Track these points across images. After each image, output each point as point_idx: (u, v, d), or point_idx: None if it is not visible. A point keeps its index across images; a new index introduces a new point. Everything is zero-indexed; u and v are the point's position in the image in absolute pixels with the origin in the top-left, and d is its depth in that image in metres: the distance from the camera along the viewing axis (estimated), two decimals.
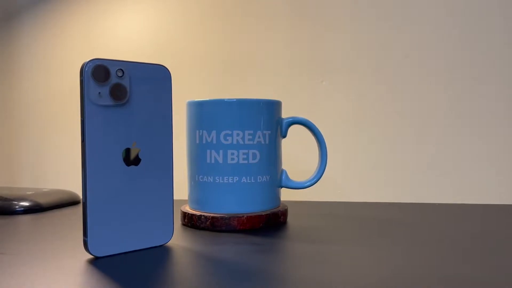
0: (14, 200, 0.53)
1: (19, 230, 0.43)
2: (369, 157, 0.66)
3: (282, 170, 0.47)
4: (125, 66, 0.34)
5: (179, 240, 0.39)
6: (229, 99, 0.43)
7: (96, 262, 0.32)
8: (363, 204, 0.57)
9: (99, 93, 0.32)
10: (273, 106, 0.45)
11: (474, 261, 0.32)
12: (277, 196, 0.46)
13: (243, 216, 0.42)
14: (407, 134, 0.64)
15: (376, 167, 0.65)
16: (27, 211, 0.52)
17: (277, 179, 0.46)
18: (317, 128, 0.47)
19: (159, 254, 0.34)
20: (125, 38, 0.71)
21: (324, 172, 0.47)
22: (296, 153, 0.65)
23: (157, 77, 0.36)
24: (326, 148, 0.47)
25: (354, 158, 0.66)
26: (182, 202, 0.50)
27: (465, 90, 0.62)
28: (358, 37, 0.65)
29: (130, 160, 0.34)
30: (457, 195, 0.63)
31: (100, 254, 0.33)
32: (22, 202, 0.53)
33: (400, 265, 0.31)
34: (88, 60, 0.32)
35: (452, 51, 0.63)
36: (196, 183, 0.45)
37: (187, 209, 0.46)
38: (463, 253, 0.34)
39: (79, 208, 0.57)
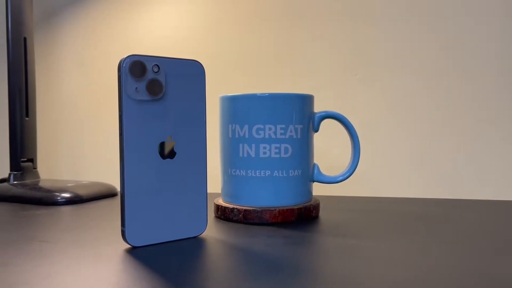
0: (56, 192, 0.56)
1: (61, 220, 0.45)
2: (404, 152, 0.64)
3: (314, 165, 0.47)
4: (160, 62, 0.34)
5: (213, 232, 0.40)
6: (261, 94, 0.44)
7: (134, 252, 0.33)
8: (397, 199, 0.57)
9: (136, 88, 0.33)
10: (305, 100, 0.45)
11: (507, 260, 0.31)
12: (309, 191, 0.47)
13: (275, 210, 0.43)
14: (443, 129, 0.63)
15: (411, 162, 0.64)
16: (68, 202, 0.55)
17: (309, 173, 0.46)
18: (350, 122, 0.46)
19: (193, 245, 0.35)
20: (160, 34, 0.72)
21: (357, 167, 0.47)
22: (328, 147, 0.65)
23: (191, 73, 0.36)
24: (359, 142, 0.47)
25: (387, 153, 0.65)
26: (215, 195, 0.51)
27: (506, 84, 0.60)
28: (392, 30, 0.64)
29: (166, 153, 0.35)
30: (495, 192, 0.61)
31: (137, 244, 0.34)
32: (64, 193, 0.55)
33: (432, 262, 0.31)
34: (125, 56, 0.33)
35: (492, 45, 0.61)
36: (228, 177, 0.45)
37: (220, 202, 0.47)
38: (496, 252, 0.33)
39: (116, 199, 0.59)
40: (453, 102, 0.62)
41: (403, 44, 0.64)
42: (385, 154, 0.65)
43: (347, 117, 0.47)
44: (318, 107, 0.48)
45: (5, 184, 0.61)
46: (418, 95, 0.64)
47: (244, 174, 0.44)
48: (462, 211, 0.49)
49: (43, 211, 0.50)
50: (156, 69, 0.34)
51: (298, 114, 0.44)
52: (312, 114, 0.46)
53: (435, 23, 0.63)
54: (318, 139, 0.49)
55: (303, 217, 0.44)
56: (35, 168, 0.66)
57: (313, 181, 0.47)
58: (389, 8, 0.64)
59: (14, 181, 0.63)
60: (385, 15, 0.64)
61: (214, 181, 0.49)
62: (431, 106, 0.63)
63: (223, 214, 0.45)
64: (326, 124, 0.48)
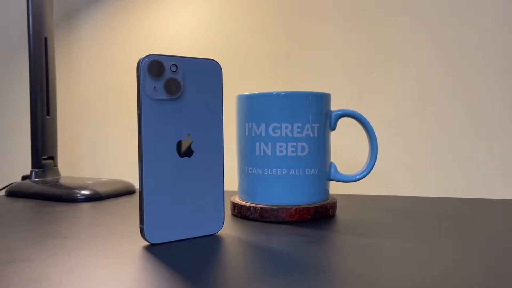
0: (76, 189, 0.57)
1: (81, 217, 0.46)
2: (422, 150, 0.64)
3: (331, 163, 0.47)
4: (178, 61, 0.35)
5: (229, 229, 0.40)
6: (278, 92, 0.44)
7: (152, 249, 0.34)
8: (415, 198, 0.56)
9: (155, 87, 0.34)
10: (322, 99, 0.45)
11: None
12: (325, 189, 0.46)
13: (291, 208, 0.43)
14: (462, 127, 0.62)
15: (429, 160, 0.64)
16: (87, 199, 0.56)
17: (325, 172, 0.46)
18: (367, 121, 0.46)
19: (210, 243, 0.35)
20: (177, 33, 0.73)
21: (374, 166, 0.46)
22: (345, 146, 0.64)
23: (208, 71, 0.37)
24: (376, 141, 0.46)
25: (405, 151, 0.64)
26: (232, 193, 0.51)
27: None
28: (409, 28, 0.63)
29: (183, 151, 0.36)
30: None
31: (155, 241, 0.35)
32: (83, 191, 0.56)
33: (451, 262, 0.30)
34: (144, 56, 0.34)
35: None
36: (245, 175, 0.46)
37: (237, 200, 0.47)
38: None
39: (134, 197, 0.59)
40: (473, 100, 0.61)
41: (420, 42, 0.63)
42: (403, 153, 0.64)
43: (363, 115, 0.46)
44: (335, 106, 0.48)
45: (27, 181, 0.63)
46: (435, 93, 0.63)
47: (260, 172, 0.44)
48: (481, 210, 0.48)
49: (63, 208, 0.51)
50: (174, 69, 0.35)
51: (315, 113, 0.44)
52: (329, 112, 0.46)
53: (454, 21, 0.62)
54: (335, 137, 0.49)
55: (319, 216, 0.44)
56: (55, 165, 0.68)
57: (330, 180, 0.47)
58: (405, 6, 0.63)
59: (35, 178, 0.64)
60: (402, 12, 0.64)
61: (231, 179, 0.49)
62: (450, 104, 0.62)
63: (239, 212, 0.45)
64: (343, 122, 0.48)
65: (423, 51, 0.63)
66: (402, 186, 0.65)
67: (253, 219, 0.44)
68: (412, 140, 0.64)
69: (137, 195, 0.61)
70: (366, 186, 0.63)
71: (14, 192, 0.61)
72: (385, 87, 0.65)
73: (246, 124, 0.45)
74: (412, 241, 0.36)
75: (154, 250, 0.33)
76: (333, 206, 0.46)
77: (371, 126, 0.46)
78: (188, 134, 0.36)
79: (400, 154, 0.65)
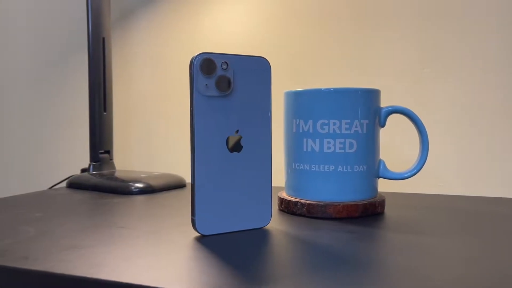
0: (130, 182, 0.60)
1: (135, 208, 0.49)
2: (475, 148, 0.61)
3: (380, 160, 0.47)
4: (229, 59, 0.36)
5: (277, 224, 0.41)
6: (326, 89, 0.44)
7: (202, 240, 0.35)
8: (466, 197, 0.54)
9: (206, 84, 0.35)
10: (371, 95, 0.45)
11: None
12: (374, 186, 0.46)
13: (339, 205, 0.43)
14: None
15: (482, 159, 0.61)
16: (141, 192, 0.58)
17: (374, 169, 0.46)
18: (417, 117, 0.45)
19: (258, 236, 0.36)
20: (228, 31, 0.74)
21: (425, 163, 0.45)
22: (395, 143, 0.63)
23: (258, 69, 0.37)
24: (427, 138, 0.45)
25: (457, 149, 0.62)
26: (279, 188, 0.52)
27: None
28: (461, 22, 0.61)
29: (233, 147, 0.37)
30: None
31: (206, 232, 0.36)
32: (137, 184, 0.59)
33: (500, 261, 0.29)
34: (196, 54, 0.35)
35: None
36: (292, 171, 0.46)
37: (284, 195, 0.47)
38: None
39: (185, 190, 0.61)
40: None
41: (473, 36, 0.61)
42: (455, 151, 0.62)
43: (414, 112, 0.45)
44: (385, 102, 0.47)
45: (86, 174, 0.66)
46: (489, 89, 0.60)
47: (308, 168, 0.45)
48: None
49: (119, 200, 0.54)
50: (225, 66, 0.36)
51: (364, 109, 0.44)
52: (379, 109, 0.46)
53: (507, 19, 0.59)
54: (384, 134, 0.48)
55: (368, 213, 0.44)
56: (111, 159, 0.71)
57: (379, 177, 0.47)
58: (456, 4, 0.61)
59: (93, 171, 0.68)
60: (454, 4, 0.61)
61: (278, 175, 0.49)
62: (505, 102, 0.60)
63: (287, 207, 0.46)
64: (393, 119, 0.47)
65: (474, 48, 0.61)
66: (454, 185, 0.63)
67: (300, 215, 0.44)
68: (465, 138, 0.62)
69: (187, 188, 0.63)
70: (417, 184, 0.61)
71: (73, 184, 0.64)
72: (438, 83, 0.63)
73: (294, 120, 0.45)
74: (462, 240, 0.35)
75: (205, 241, 0.35)
76: (381, 203, 0.45)
77: (421, 123, 0.45)
78: (237, 130, 0.37)
79: (452, 152, 0.62)
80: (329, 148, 0.43)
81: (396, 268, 0.28)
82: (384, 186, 0.56)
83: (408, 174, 0.46)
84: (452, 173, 0.63)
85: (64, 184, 0.67)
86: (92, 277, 0.27)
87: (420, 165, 0.45)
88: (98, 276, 0.27)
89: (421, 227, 0.39)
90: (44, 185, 0.85)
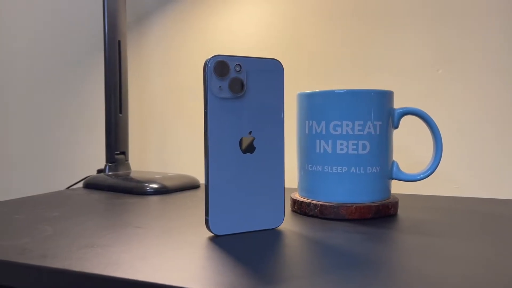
0: (145, 183, 0.60)
1: (150, 208, 0.49)
2: (489, 150, 0.61)
3: (393, 162, 0.47)
4: (242, 61, 0.36)
5: (289, 225, 0.41)
6: (339, 90, 0.44)
7: (216, 240, 0.36)
8: (481, 200, 0.54)
9: (220, 86, 0.35)
10: (384, 96, 0.45)
11: None
12: (387, 188, 0.46)
13: (352, 206, 0.43)
14: None
15: (497, 161, 0.60)
16: (155, 192, 0.59)
17: (387, 170, 0.46)
18: (431, 119, 0.45)
19: (271, 236, 0.37)
20: (241, 34, 0.75)
21: (439, 165, 0.45)
22: (408, 144, 0.63)
23: (270, 70, 0.38)
24: (441, 139, 0.45)
25: (472, 151, 0.62)
26: (292, 190, 0.52)
27: None
28: (476, 22, 0.61)
29: (246, 148, 0.37)
30: None
31: (219, 232, 0.36)
32: (152, 184, 0.60)
33: None
34: (210, 57, 0.35)
35: None
36: (305, 172, 0.46)
37: (297, 196, 0.48)
38: None
39: (199, 191, 0.62)
40: None
41: (487, 39, 0.60)
42: (469, 152, 0.62)
43: (428, 114, 0.45)
44: (399, 103, 0.47)
45: (102, 174, 0.68)
46: (505, 91, 0.60)
47: (320, 169, 0.45)
48: None
49: (134, 200, 0.55)
50: (238, 68, 0.36)
51: (377, 110, 0.44)
52: (392, 110, 0.46)
53: None
54: (398, 136, 0.48)
55: (380, 214, 0.44)
56: (127, 160, 0.72)
57: (392, 179, 0.47)
58: (472, 4, 0.61)
59: (109, 172, 0.69)
60: (469, 8, 0.61)
61: (291, 176, 0.50)
62: None
63: (299, 208, 0.46)
64: (407, 120, 0.47)
65: (490, 49, 0.60)
66: (468, 187, 0.62)
67: (312, 216, 0.44)
68: (479, 139, 0.61)
69: (201, 189, 0.64)
70: (431, 186, 0.61)
71: (90, 184, 0.66)
72: (452, 85, 0.62)
73: (307, 121, 0.46)
74: (477, 243, 0.35)
75: (218, 241, 0.35)
76: (394, 205, 0.45)
77: (435, 124, 0.45)
78: (251, 131, 0.37)
79: (466, 154, 0.62)
80: (341, 149, 0.44)
81: (408, 270, 0.28)
82: (397, 187, 0.56)
83: (421, 175, 0.46)
84: (467, 174, 0.62)
85: (81, 184, 0.68)
86: (108, 275, 0.28)
87: (434, 166, 0.45)
88: (115, 274, 0.28)
89: (434, 229, 0.39)
90: (61, 186, 0.86)
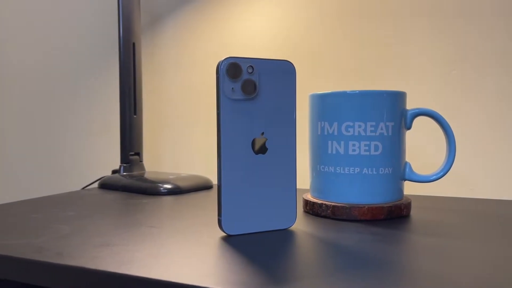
0: (159, 183, 0.61)
1: (164, 208, 0.50)
2: (503, 151, 0.60)
3: (406, 163, 0.46)
4: (254, 63, 0.37)
5: (301, 225, 0.41)
6: (351, 91, 0.44)
7: (228, 239, 0.36)
8: (495, 201, 0.53)
9: (232, 88, 0.36)
10: (397, 97, 0.45)
11: None
12: (399, 189, 0.46)
13: (364, 207, 0.43)
14: None
15: (511, 162, 0.60)
16: (169, 192, 0.60)
17: (400, 171, 0.45)
18: (444, 120, 0.45)
19: (283, 237, 0.37)
20: (254, 35, 0.75)
21: (452, 166, 0.45)
22: (421, 145, 0.63)
23: (283, 72, 0.38)
24: (454, 140, 0.45)
25: (486, 152, 0.61)
26: (304, 190, 0.52)
27: None
28: (490, 22, 0.60)
29: (258, 149, 0.37)
30: None
31: (232, 232, 0.37)
32: (166, 185, 0.61)
33: None
34: (223, 58, 0.36)
35: None
36: (317, 173, 0.47)
37: (309, 197, 0.48)
38: None
39: (211, 192, 0.63)
40: None
41: (501, 41, 0.59)
42: (483, 153, 0.61)
43: (441, 114, 0.45)
44: (412, 104, 0.47)
45: (116, 175, 0.69)
46: None
47: (332, 170, 0.45)
48: None
49: (148, 200, 0.55)
50: (250, 70, 0.36)
51: (389, 111, 0.44)
52: (404, 111, 0.46)
53: None
54: (411, 137, 0.48)
55: (393, 216, 0.44)
56: (141, 161, 0.73)
57: (405, 180, 0.46)
58: (486, 3, 0.60)
59: (123, 172, 0.70)
60: (482, 7, 0.60)
61: (303, 177, 0.50)
62: None
63: (311, 209, 0.46)
64: (420, 121, 0.47)
65: (507, 49, 0.59)
66: (481, 189, 0.61)
67: (324, 216, 0.45)
68: (493, 140, 0.61)
69: (214, 190, 0.64)
70: (443, 187, 0.60)
71: (105, 185, 0.67)
72: (465, 86, 0.62)
73: (319, 122, 0.46)
74: (490, 244, 0.34)
75: (231, 240, 0.36)
76: (407, 206, 0.45)
77: (448, 125, 0.45)
78: (263, 132, 0.37)
79: (480, 155, 0.61)
80: (354, 150, 0.44)
81: (420, 272, 0.28)
82: (410, 189, 0.56)
83: (434, 177, 0.45)
84: (480, 176, 0.62)
85: (96, 184, 0.69)
86: (123, 273, 0.28)
87: (447, 167, 0.45)
88: (129, 272, 0.28)
89: (447, 231, 0.39)
90: (77, 186, 0.88)
